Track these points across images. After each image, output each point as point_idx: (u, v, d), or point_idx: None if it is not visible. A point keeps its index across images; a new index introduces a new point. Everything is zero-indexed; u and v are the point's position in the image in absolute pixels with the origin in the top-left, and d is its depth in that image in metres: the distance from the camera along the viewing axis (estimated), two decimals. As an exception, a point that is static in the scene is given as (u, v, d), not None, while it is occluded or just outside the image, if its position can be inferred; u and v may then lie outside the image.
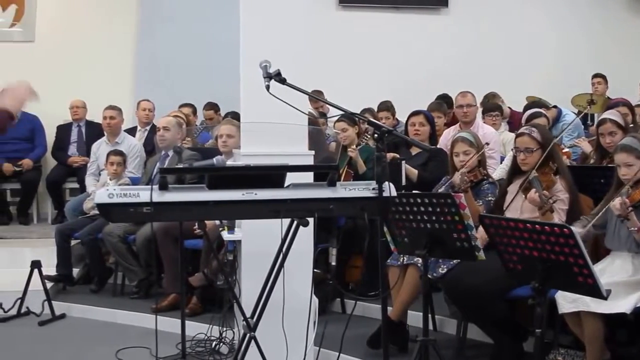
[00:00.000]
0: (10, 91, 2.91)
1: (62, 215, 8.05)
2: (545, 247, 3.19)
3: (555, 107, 7.76)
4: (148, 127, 8.43)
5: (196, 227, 5.37)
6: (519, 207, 4.55)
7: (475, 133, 5.50)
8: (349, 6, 10.31)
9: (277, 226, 3.65)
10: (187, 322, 4.92)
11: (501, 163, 6.25)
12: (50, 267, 6.38)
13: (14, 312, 5.89)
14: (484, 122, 7.04)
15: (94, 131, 8.45)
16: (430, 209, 3.87)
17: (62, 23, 9.49)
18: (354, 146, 6.15)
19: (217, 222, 5.07)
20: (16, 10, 9.49)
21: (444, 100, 7.97)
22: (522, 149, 4.57)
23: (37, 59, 9.29)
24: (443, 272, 4.62)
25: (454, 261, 4.54)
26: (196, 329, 5.19)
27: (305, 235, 3.62)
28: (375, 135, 3.56)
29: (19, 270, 6.18)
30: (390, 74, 9.94)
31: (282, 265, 3.61)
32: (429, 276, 4.30)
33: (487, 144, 5.39)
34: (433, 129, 6.34)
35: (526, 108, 7.19)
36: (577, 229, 3.64)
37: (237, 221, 4.60)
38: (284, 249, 3.61)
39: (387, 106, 8.12)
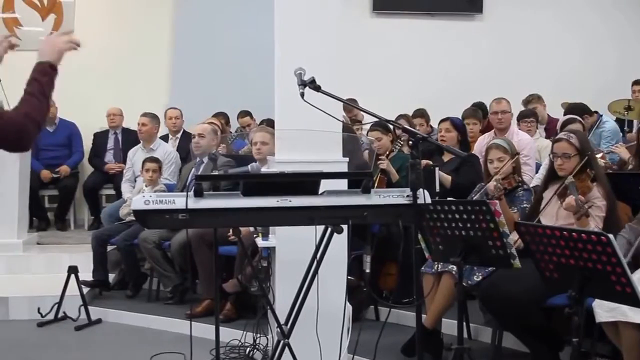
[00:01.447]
0: (49, 41, 2.87)
1: (98, 221, 8.14)
2: (582, 255, 3.15)
3: (596, 112, 7.68)
4: (179, 134, 8.50)
5: (231, 233, 5.39)
6: (554, 213, 4.51)
7: (510, 140, 5.48)
8: (383, 13, 10.30)
9: (311, 233, 3.66)
10: (221, 328, 4.89)
11: (536, 170, 6.20)
12: (86, 273, 6.45)
13: (51, 316, 5.96)
14: (519, 129, 6.99)
15: (130, 138, 8.53)
16: (465, 216, 3.85)
17: (100, 32, 9.60)
18: (384, 156, 6.11)
19: (252, 228, 5.09)
20: (55, 20, 9.64)
21: (479, 108, 7.93)
22: (559, 154, 4.53)
23: (75, 67, 9.41)
24: (478, 279, 4.60)
25: (489, 269, 4.52)
26: (230, 335, 5.21)
27: (339, 242, 3.62)
28: (410, 142, 3.55)
29: (56, 276, 6.29)
30: (425, 80, 9.90)
31: (316, 272, 3.62)
32: (464, 284, 4.26)
33: (518, 153, 5.36)
34: (463, 135, 6.31)
35: (567, 113, 7.11)
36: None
37: (271, 228, 4.61)
38: (318, 256, 3.61)
39: (421, 113, 8.10)
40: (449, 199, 4.63)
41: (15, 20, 9.60)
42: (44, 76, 2.72)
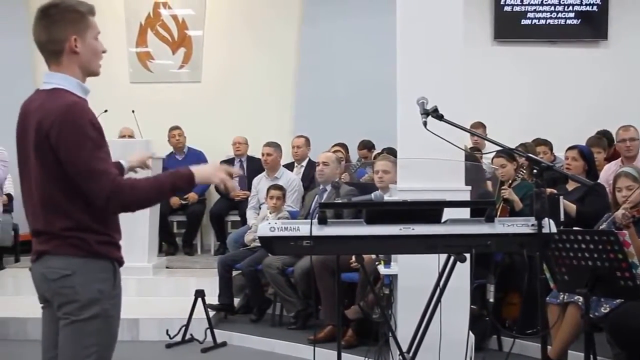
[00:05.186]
0: (213, 167, 2.83)
1: (224, 247, 8.33)
2: None
3: None
4: (304, 163, 8.62)
5: (353, 260, 5.45)
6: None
7: (639, 167, 5.32)
8: (505, 41, 10.19)
9: (433, 261, 3.67)
10: (343, 354, 4.94)
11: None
12: (212, 297, 6.63)
13: (178, 338, 6.15)
14: (647, 156, 6.77)
15: (255, 166, 8.72)
16: (592, 246, 3.78)
17: (226, 64, 9.95)
18: (506, 186, 6.05)
19: (374, 256, 5.13)
20: (184, 53, 10.05)
21: (603, 136, 7.73)
22: (687, 184, 4.38)
23: (203, 98, 9.79)
24: (606, 311, 4.48)
25: (617, 300, 4.39)
26: (352, 361, 5.25)
27: (462, 271, 3.62)
28: (534, 171, 3.52)
29: (184, 299, 6.46)
30: (547, 108, 9.69)
31: (438, 301, 3.63)
32: (591, 315, 4.17)
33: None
34: (590, 164, 6.15)
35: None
36: None
37: (393, 255, 4.64)
38: (440, 284, 3.62)
39: (544, 141, 7.95)
40: (574, 228, 4.54)
41: (147, 54, 10.08)
42: (180, 182, 2.70)
